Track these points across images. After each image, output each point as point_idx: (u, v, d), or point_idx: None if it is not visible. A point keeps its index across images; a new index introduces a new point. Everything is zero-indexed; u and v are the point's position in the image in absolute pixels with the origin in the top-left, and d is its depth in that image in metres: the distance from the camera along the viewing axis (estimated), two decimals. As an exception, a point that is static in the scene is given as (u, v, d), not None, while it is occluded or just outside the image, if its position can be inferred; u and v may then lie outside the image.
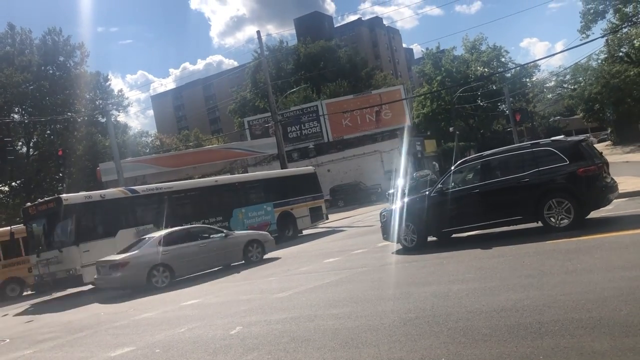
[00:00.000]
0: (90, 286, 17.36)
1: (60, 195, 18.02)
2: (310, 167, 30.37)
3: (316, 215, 25.34)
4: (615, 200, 13.53)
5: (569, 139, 11.88)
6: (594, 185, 10.24)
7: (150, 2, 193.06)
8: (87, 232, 17.07)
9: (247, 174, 30.66)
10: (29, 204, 18.83)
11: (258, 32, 40.36)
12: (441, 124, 64.04)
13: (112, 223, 17.94)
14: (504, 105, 59.05)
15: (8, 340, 11.04)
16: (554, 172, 10.44)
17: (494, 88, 61.71)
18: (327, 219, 26.89)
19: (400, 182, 33.13)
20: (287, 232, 23.45)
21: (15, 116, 47.24)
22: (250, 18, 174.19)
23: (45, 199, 19.74)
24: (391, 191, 32.44)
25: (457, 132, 56.17)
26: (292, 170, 28.72)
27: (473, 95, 61.89)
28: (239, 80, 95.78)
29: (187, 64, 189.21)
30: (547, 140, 11.68)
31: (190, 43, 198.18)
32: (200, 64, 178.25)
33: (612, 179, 11.15)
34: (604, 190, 10.40)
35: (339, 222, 28.05)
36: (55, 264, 16.69)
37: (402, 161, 40.88)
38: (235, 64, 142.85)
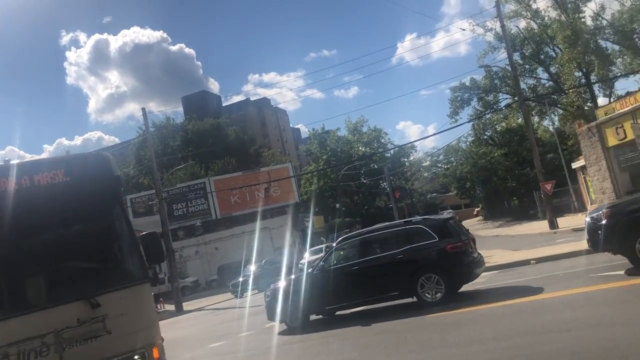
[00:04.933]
0: None
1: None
2: None
3: None
4: (487, 273, 14.45)
5: (438, 217, 12.60)
6: (461, 261, 10.82)
7: (20, 75, 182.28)
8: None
9: None
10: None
11: (143, 109, 39.95)
12: (328, 200, 65.75)
13: None
14: (385, 183, 62.14)
15: None
16: (425, 248, 10.97)
17: (376, 167, 65.02)
18: None
19: (252, 268, 30.91)
20: None
21: None
22: (131, 95, 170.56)
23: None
24: (239, 279, 29.60)
25: (343, 209, 57.82)
26: None
27: (357, 173, 64.63)
28: (122, 157, 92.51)
29: (63, 140, 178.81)
30: (419, 218, 12.34)
31: (65, 118, 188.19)
32: (78, 140, 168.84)
33: (478, 254, 11.86)
34: (471, 266, 11.00)
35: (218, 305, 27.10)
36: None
37: (288, 238, 39.56)
38: (117, 140, 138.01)
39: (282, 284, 12.38)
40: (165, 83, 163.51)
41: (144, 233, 6.11)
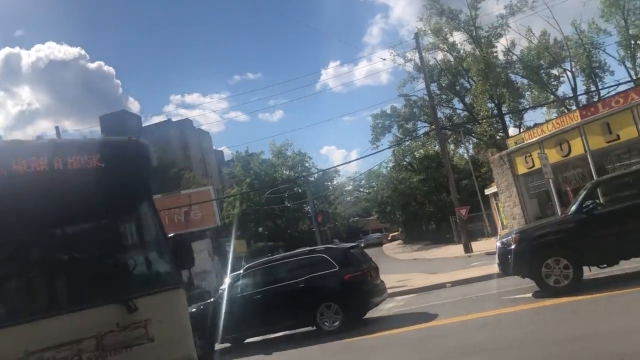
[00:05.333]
0: None
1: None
2: None
3: None
4: (405, 296, 14.71)
5: (340, 246, 12.71)
6: (359, 290, 10.91)
7: None
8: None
9: None
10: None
11: (57, 127, 37.82)
12: (251, 224, 64.98)
13: None
14: (309, 207, 62.37)
15: None
16: (326, 277, 11.00)
17: (300, 191, 65.19)
18: None
19: None
20: None
21: None
22: (44, 113, 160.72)
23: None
24: None
25: (266, 233, 57.32)
26: None
27: (280, 197, 64.49)
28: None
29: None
30: (322, 247, 12.42)
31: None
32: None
33: (380, 282, 11.98)
34: (369, 294, 11.12)
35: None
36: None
37: (208, 263, 38.73)
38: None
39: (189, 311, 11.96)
40: (82, 101, 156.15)
41: (171, 235, 5.60)
